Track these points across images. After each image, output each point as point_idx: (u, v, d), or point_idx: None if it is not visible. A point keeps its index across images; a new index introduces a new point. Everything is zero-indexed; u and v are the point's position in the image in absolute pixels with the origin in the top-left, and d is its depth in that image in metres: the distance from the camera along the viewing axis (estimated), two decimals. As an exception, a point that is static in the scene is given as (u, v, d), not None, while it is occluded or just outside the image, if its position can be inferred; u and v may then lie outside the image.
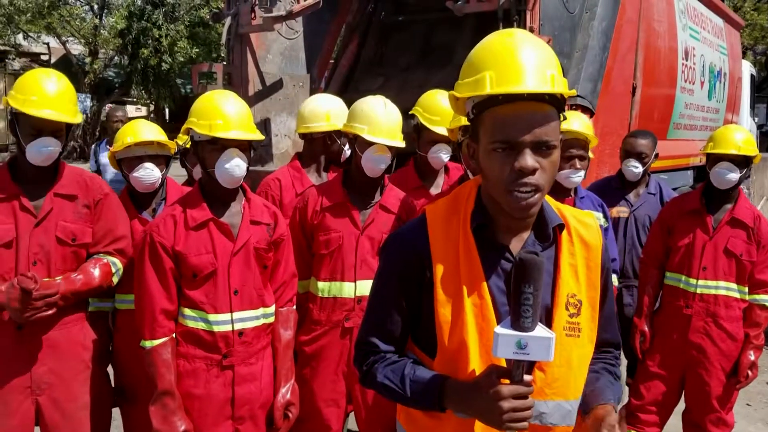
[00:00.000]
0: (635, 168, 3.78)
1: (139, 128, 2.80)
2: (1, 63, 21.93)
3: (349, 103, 3.01)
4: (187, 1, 22.07)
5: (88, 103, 21.38)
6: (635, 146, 3.79)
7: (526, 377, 1.33)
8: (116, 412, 2.80)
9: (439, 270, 1.46)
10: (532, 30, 3.68)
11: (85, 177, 2.61)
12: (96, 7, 23.66)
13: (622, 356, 3.54)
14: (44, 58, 24.03)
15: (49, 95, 2.41)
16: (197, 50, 22.30)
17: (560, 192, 2.98)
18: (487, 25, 3.40)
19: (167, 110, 26.53)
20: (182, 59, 22.07)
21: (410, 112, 3.12)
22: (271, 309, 2.46)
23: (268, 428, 2.45)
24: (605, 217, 3.27)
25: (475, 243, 1.46)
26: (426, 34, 5.61)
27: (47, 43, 23.60)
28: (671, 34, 5.89)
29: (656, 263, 3.45)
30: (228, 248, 2.34)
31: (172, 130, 3.51)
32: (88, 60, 22.94)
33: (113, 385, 2.77)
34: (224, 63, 4.69)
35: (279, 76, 4.79)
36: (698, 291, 3.26)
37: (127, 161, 2.79)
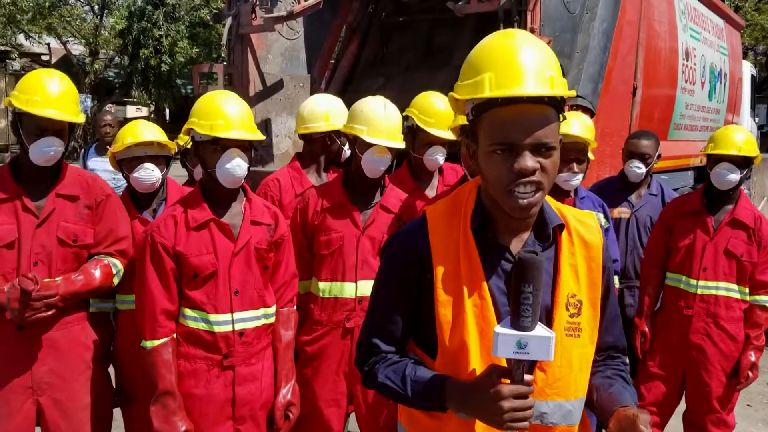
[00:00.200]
0: (638, 169, 3.76)
1: (139, 128, 2.80)
2: (1, 63, 21.94)
3: (349, 104, 3.01)
4: (188, 1, 22.06)
5: (89, 103, 21.36)
6: (638, 147, 3.76)
7: (527, 377, 1.33)
8: (117, 413, 2.80)
9: (439, 270, 1.46)
10: (532, 30, 3.68)
11: (87, 178, 2.61)
12: (96, 7, 23.67)
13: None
14: (45, 58, 24.05)
15: (53, 95, 2.41)
16: (198, 51, 22.28)
17: (560, 193, 2.98)
18: (487, 25, 3.41)
19: (168, 111, 26.49)
20: (183, 60, 22.05)
21: (404, 114, 3.10)
22: (272, 309, 2.47)
23: (268, 429, 2.45)
24: (606, 217, 3.25)
25: (476, 243, 1.46)
26: (427, 34, 5.62)
27: (48, 44, 23.62)
28: (672, 35, 5.89)
29: (657, 264, 3.45)
30: (229, 248, 2.34)
31: (172, 131, 3.51)
32: (88, 60, 22.93)
33: (114, 385, 2.77)
34: (225, 63, 4.69)
35: (280, 77, 4.80)
36: (699, 291, 3.26)
37: (127, 162, 2.79)
